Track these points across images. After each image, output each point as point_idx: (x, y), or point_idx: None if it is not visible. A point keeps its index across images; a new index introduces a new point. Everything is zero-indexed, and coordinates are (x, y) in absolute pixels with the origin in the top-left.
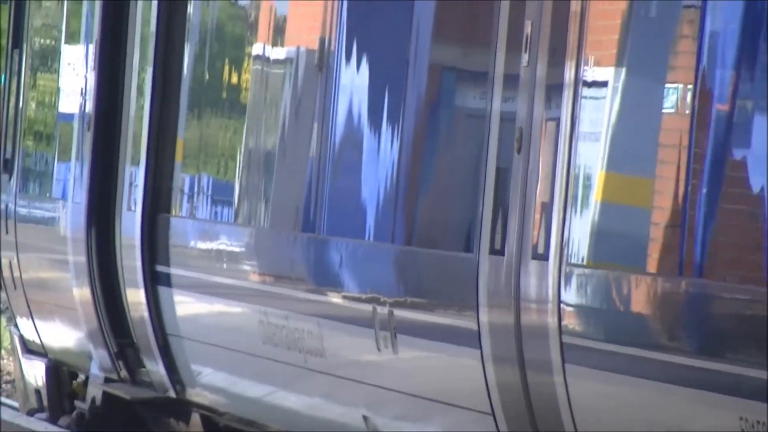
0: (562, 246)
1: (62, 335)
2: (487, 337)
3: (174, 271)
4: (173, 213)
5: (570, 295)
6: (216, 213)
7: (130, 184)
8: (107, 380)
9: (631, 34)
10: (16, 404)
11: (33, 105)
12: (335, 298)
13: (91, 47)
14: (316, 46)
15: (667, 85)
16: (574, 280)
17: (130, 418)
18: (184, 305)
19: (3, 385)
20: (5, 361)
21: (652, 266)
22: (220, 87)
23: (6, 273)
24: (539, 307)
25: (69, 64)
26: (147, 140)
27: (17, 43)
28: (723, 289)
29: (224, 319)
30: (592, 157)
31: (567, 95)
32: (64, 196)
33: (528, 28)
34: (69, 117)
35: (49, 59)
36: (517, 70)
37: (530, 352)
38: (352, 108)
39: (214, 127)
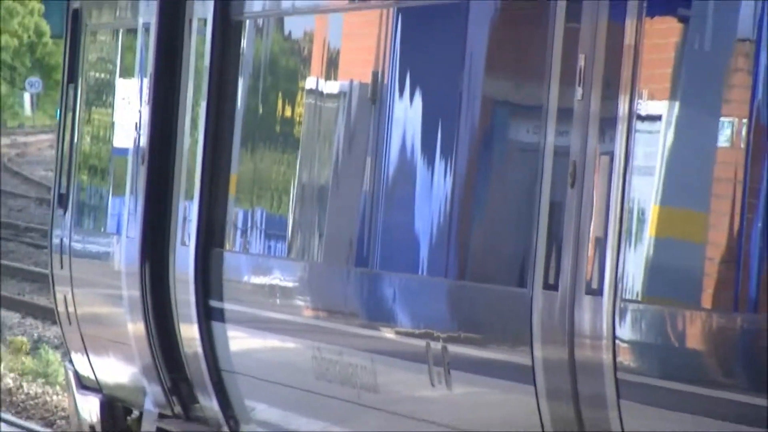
0: (616, 281)
1: (116, 370)
2: (541, 372)
3: (227, 306)
4: (227, 247)
5: (624, 331)
6: (269, 247)
7: (184, 218)
8: (161, 416)
9: (685, 68)
10: None
11: (88, 139)
12: (389, 333)
13: (146, 81)
14: (369, 80)
15: (721, 119)
16: (628, 316)
17: None
18: (238, 340)
19: (57, 421)
20: (60, 396)
21: (707, 302)
22: (273, 121)
23: (61, 308)
24: (593, 343)
25: (123, 98)
26: (200, 174)
27: (72, 77)
28: None
29: (277, 355)
30: (646, 191)
31: (621, 129)
32: (118, 231)
33: (582, 62)
34: (123, 151)
35: (103, 93)
36: (571, 104)
37: (585, 388)
38: (405, 142)
39: (267, 162)
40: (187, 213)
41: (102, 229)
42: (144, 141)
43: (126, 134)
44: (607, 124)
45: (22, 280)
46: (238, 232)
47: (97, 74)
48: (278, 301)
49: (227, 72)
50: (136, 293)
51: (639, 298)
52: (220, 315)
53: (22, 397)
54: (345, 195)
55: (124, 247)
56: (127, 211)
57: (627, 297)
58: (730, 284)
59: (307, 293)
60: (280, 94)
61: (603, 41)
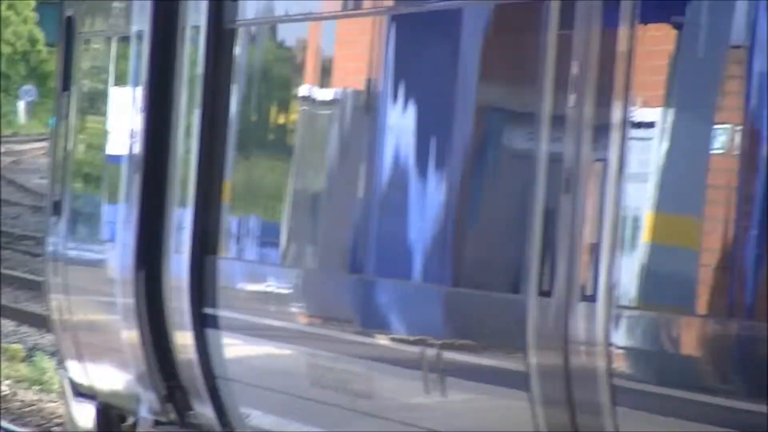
0: (611, 287)
1: (111, 378)
2: (536, 379)
3: (222, 313)
4: (221, 255)
5: (619, 337)
6: (263, 254)
7: (178, 225)
8: (156, 423)
9: (678, 74)
10: None
11: (82, 147)
12: (383, 340)
13: (139, 89)
14: (362, 87)
15: (715, 126)
16: (623, 322)
17: None
18: (233, 347)
19: (53, 429)
20: (55, 404)
21: (701, 308)
22: (267, 128)
23: (55, 315)
24: (588, 350)
25: (117, 106)
26: (195, 182)
27: (66, 85)
28: None
29: (272, 362)
30: (640, 197)
31: (614, 135)
32: (112, 238)
33: (575, 69)
34: (117, 159)
35: (97, 101)
36: (564, 111)
37: (579, 395)
38: (399, 149)
39: (261, 169)
40: (182, 220)
41: (96, 237)
42: (138, 148)
43: (120, 142)
44: (601, 130)
45: (17, 288)
46: (233, 240)
47: (91, 82)
48: (273, 308)
49: (221, 80)
50: (131, 301)
51: (634, 305)
52: (214, 322)
53: (18, 404)
54: (339, 202)
55: (118, 255)
56: (121, 218)
57: (622, 303)
58: (725, 291)
59: (302, 300)
60: (273, 102)
61: (596, 48)
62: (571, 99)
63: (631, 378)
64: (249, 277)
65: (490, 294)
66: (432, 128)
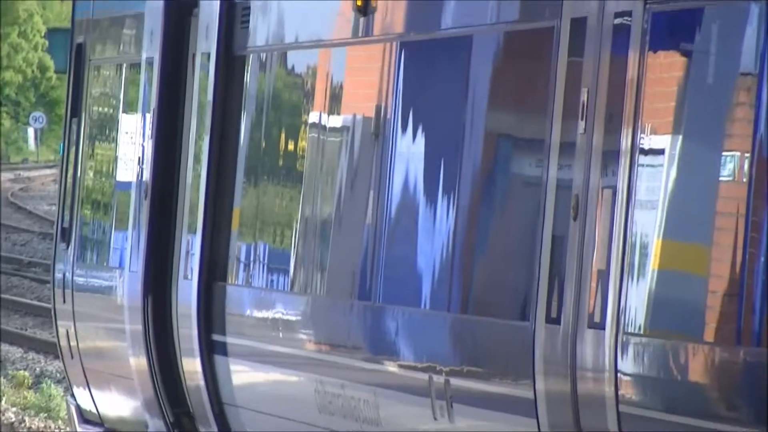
0: (619, 315)
1: (119, 404)
2: (544, 406)
3: (230, 339)
4: (229, 281)
5: (627, 364)
6: (272, 281)
7: (187, 252)
8: None
9: (687, 102)
10: None
11: (91, 174)
12: (391, 367)
13: (149, 116)
14: (372, 114)
15: (724, 153)
16: (630, 349)
17: None
18: (240, 374)
19: None
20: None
21: (709, 335)
22: (276, 155)
23: (63, 342)
24: (596, 376)
25: (126, 132)
26: (203, 209)
27: (76, 112)
28: None
29: (280, 388)
30: (649, 224)
31: (623, 163)
32: (120, 265)
33: (584, 96)
34: (126, 186)
35: (106, 128)
36: (574, 138)
37: (587, 422)
38: (408, 176)
39: (270, 196)
40: (190, 247)
41: (104, 264)
42: (147, 175)
43: (129, 168)
44: (610, 157)
45: (24, 314)
46: (241, 266)
47: (101, 109)
48: (281, 334)
49: (230, 106)
50: (139, 327)
51: (641, 332)
52: (222, 349)
53: (25, 431)
54: (347, 229)
55: (126, 281)
56: (129, 245)
57: (629, 330)
58: (733, 318)
59: (310, 327)
60: (283, 129)
61: (606, 75)
62: (581, 126)
63: (638, 405)
64: (257, 303)
65: (497, 321)
66: (441, 155)
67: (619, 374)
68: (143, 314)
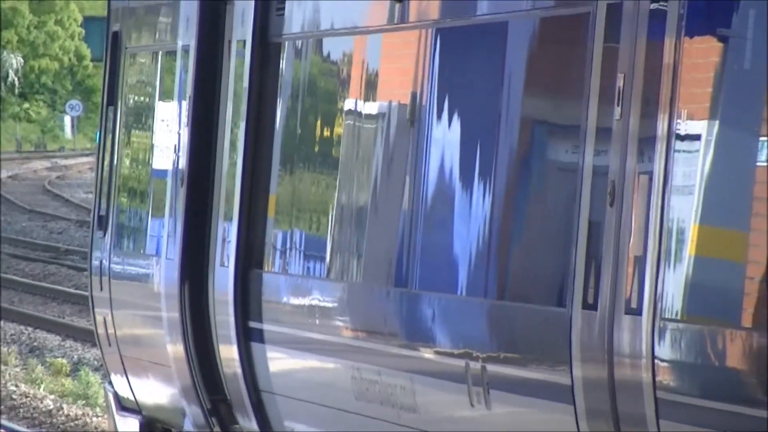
0: (656, 300)
1: (156, 392)
2: (581, 392)
3: (267, 326)
4: (266, 268)
5: (664, 350)
6: (308, 268)
7: (223, 239)
8: None
9: (724, 87)
10: None
11: (127, 162)
12: (428, 354)
13: (185, 104)
14: (407, 100)
15: (761, 138)
16: (667, 335)
17: None
18: (277, 361)
19: None
20: (100, 418)
21: (747, 321)
22: (312, 142)
23: (100, 330)
24: (633, 362)
25: (162, 120)
26: (239, 196)
27: (112, 100)
28: None
29: (317, 375)
30: (686, 210)
31: (660, 148)
32: (157, 253)
33: (620, 81)
34: (162, 173)
35: (143, 116)
36: (610, 124)
37: (624, 408)
38: (444, 162)
39: (306, 183)
40: (226, 234)
41: (141, 251)
42: (183, 163)
43: (165, 156)
44: (646, 143)
45: (62, 302)
46: (277, 253)
47: (137, 96)
48: (317, 321)
49: (266, 93)
50: (176, 314)
51: (678, 318)
52: (259, 336)
53: (63, 419)
54: (384, 215)
55: (163, 269)
56: (166, 232)
57: (666, 316)
58: None
59: (347, 314)
60: (318, 116)
61: (642, 60)
62: (617, 111)
63: (675, 391)
64: (294, 290)
65: (534, 307)
66: (477, 141)
67: (656, 360)
68: (180, 301)
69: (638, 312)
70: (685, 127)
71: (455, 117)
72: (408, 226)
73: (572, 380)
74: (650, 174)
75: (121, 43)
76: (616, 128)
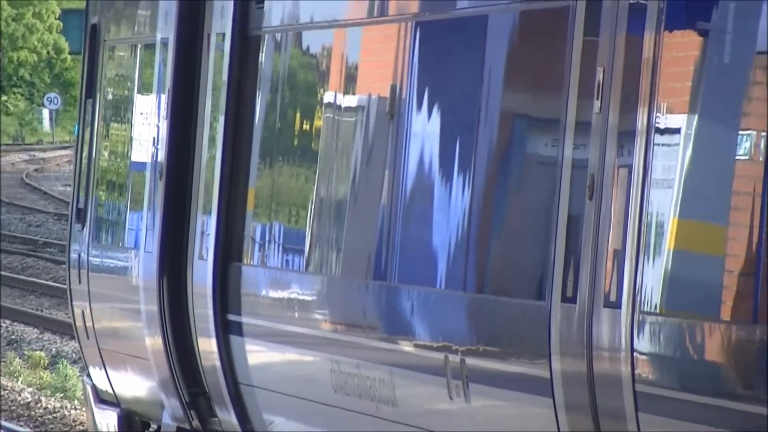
0: (635, 294)
1: (134, 384)
2: (560, 385)
3: (246, 319)
4: (245, 262)
5: (643, 343)
6: (287, 261)
7: (202, 232)
8: (179, 430)
9: (704, 81)
10: None
11: (106, 155)
12: (407, 347)
13: (164, 97)
14: (387, 94)
15: (740, 132)
16: (646, 328)
17: None
18: (256, 354)
19: None
20: (78, 411)
21: (725, 314)
22: (291, 136)
23: (79, 323)
24: (612, 356)
25: (141, 113)
26: (219, 189)
27: (90, 93)
28: None
29: (296, 368)
30: (665, 204)
31: (639, 142)
32: (136, 246)
33: (600, 75)
34: (141, 166)
35: (121, 109)
36: (589, 117)
37: (603, 401)
38: (423, 156)
39: (285, 176)
40: (205, 227)
41: (120, 244)
42: (162, 156)
43: (144, 149)
44: (626, 137)
45: (40, 295)
46: (256, 246)
47: (115, 90)
48: (296, 314)
49: (245, 87)
50: (154, 307)
51: (657, 311)
52: (238, 329)
53: (41, 411)
54: (363, 209)
55: (142, 262)
56: (145, 225)
57: (645, 309)
58: (749, 296)
59: (326, 307)
60: (298, 109)
61: (621, 54)
62: (596, 105)
63: (654, 384)
64: (273, 283)
65: (513, 300)
66: (456, 135)
67: (634, 353)
68: (159, 294)
69: (617, 305)
70: (664, 121)
71: (434, 111)
72: (387, 220)
73: (551, 373)
74: (629, 168)
75: (99, 36)
76: (595, 122)
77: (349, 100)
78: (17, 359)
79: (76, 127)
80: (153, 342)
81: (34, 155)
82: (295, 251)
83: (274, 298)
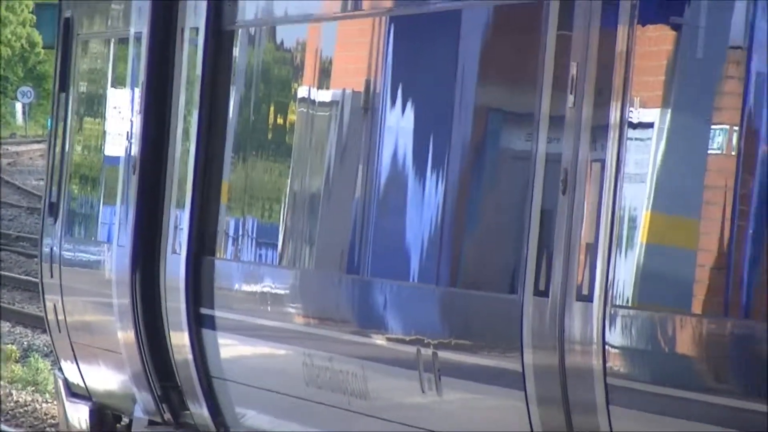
0: (607, 287)
1: (106, 378)
2: (532, 378)
3: (218, 313)
4: (218, 255)
5: (614, 337)
6: (260, 255)
7: (175, 227)
8: (151, 423)
9: (677, 75)
10: None
11: (79, 148)
12: (379, 340)
13: (137, 91)
14: (361, 88)
15: (713, 126)
16: (618, 322)
17: None
18: (229, 348)
19: (47, 429)
20: (49, 404)
21: (697, 307)
22: (265, 130)
23: (51, 316)
24: (583, 349)
25: (115, 107)
26: (192, 183)
27: (64, 87)
28: None
29: (268, 362)
30: (638, 198)
31: (612, 136)
32: (108, 240)
33: (574, 70)
34: (115, 160)
35: (95, 103)
36: (563, 112)
37: (574, 394)
38: (397, 150)
39: (259, 170)
40: (179, 221)
41: (93, 238)
42: (135, 150)
43: (117, 143)
44: (599, 131)
45: (12, 288)
46: (230, 240)
47: (89, 83)
48: (269, 308)
49: (219, 81)
50: (127, 301)
51: (629, 304)
52: (210, 322)
53: (12, 405)
54: (336, 203)
55: (114, 256)
56: (117, 219)
57: (617, 303)
58: (721, 290)
59: (298, 300)
60: (272, 103)
61: (595, 49)
62: (570, 99)
63: (626, 377)
64: (245, 277)
65: (486, 294)
66: (430, 130)
67: (606, 347)
68: (131, 288)
69: (589, 299)
70: (637, 115)
71: (408, 105)
72: (361, 214)
73: (523, 367)
74: (603, 162)
75: (73, 30)
76: (569, 116)
77: (323, 95)
78: None
79: (50, 120)
80: (125, 336)
81: (7, 149)
82: (269, 245)
83: (247, 291)
